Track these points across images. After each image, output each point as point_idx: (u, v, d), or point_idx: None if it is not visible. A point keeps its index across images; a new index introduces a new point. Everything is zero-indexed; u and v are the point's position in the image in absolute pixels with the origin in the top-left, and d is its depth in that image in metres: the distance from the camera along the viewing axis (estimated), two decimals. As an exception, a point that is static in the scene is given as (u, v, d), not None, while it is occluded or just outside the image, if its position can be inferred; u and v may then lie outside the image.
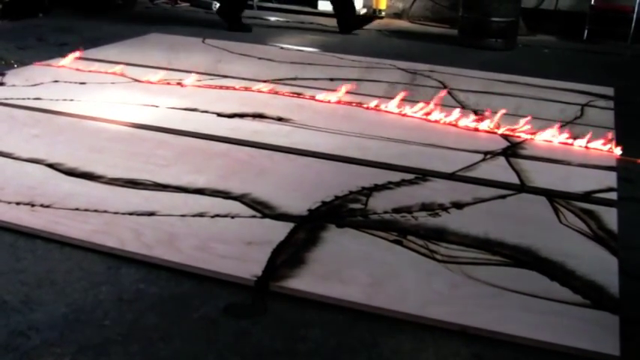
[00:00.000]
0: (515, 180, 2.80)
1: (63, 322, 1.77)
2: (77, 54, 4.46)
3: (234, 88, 3.93)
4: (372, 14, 7.08)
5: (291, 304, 1.90)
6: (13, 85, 3.81)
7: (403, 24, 6.98)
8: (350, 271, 2.05)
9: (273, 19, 6.84)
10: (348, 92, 3.89)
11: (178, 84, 3.97)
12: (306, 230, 2.28)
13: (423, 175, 2.81)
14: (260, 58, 4.81)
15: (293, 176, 2.75)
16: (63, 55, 4.50)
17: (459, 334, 1.81)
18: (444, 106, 3.65)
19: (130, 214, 2.33)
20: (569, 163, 3.02)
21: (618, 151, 3.18)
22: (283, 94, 3.87)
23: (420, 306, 1.89)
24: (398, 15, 7.25)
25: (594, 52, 5.89)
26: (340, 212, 2.44)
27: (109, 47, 4.97)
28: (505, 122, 3.44)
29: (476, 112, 3.62)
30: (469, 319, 1.85)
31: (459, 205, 2.54)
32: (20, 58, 4.52)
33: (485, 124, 3.42)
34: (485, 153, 3.07)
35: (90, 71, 4.17)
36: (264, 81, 4.09)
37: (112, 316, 1.81)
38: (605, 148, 3.20)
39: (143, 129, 3.19)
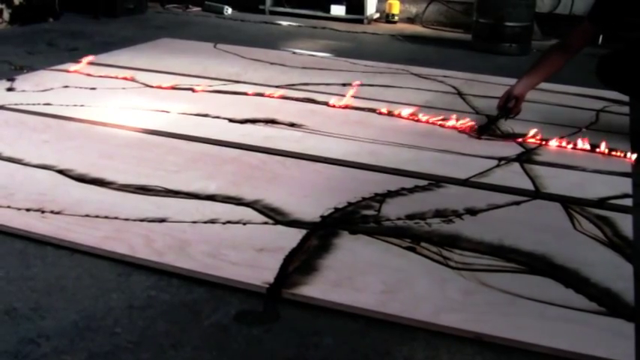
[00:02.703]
0: (529, 186, 2.77)
1: (73, 329, 1.76)
2: (90, 59, 4.48)
3: (246, 94, 3.93)
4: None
5: (303, 312, 1.89)
6: (23, 91, 3.81)
7: (416, 29, 6.96)
8: (363, 278, 2.03)
9: (285, 23, 6.84)
10: (360, 97, 3.88)
11: (190, 89, 3.96)
12: (319, 237, 2.26)
13: (436, 181, 2.78)
14: (272, 63, 4.80)
15: (305, 182, 2.73)
16: (73, 60, 4.51)
17: (473, 341, 1.79)
18: (458, 112, 3.62)
19: (141, 220, 2.32)
20: (583, 169, 2.99)
21: (633, 156, 3.15)
22: (296, 100, 3.86)
23: (434, 313, 1.87)
24: (411, 20, 7.24)
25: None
26: (353, 219, 2.42)
27: (120, 52, 4.98)
28: (520, 128, 3.41)
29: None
30: (483, 326, 1.82)
31: (472, 212, 2.51)
32: (30, 63, 4.53)
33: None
34: (500, 159, 3.05)
35: (100, 76, 4.17)
36: (277, 86, 4.09)
37: (123, 324, 1.80)
38: (620, 154, 3.17)
39: (154, 135, 3.18)
